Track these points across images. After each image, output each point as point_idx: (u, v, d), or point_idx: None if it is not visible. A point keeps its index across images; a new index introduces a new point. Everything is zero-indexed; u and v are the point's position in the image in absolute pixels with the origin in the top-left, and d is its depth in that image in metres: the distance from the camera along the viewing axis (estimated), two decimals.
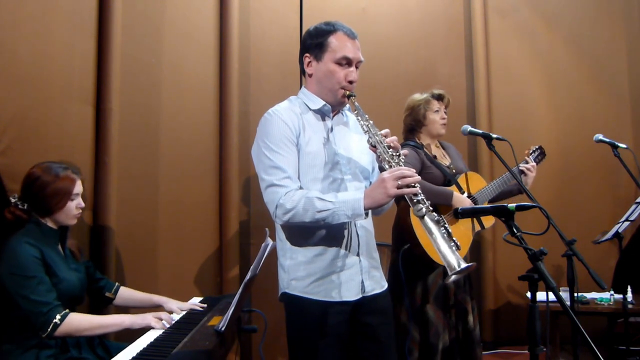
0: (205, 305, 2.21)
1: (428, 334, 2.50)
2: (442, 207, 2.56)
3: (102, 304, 2.24)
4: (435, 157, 2.70)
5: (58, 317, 1.75)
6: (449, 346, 2.52)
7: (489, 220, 2.71)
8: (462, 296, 2.62)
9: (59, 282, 1.86)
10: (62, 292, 1.85)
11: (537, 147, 2.86)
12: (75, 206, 1.94)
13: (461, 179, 2.67)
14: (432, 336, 2.49)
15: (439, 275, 2.56)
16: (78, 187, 1.95)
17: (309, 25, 1.87)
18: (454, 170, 2.70)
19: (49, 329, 1.73)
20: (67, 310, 1.79)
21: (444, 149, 2.83)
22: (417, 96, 2.74)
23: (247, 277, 1.59)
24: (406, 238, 2.49)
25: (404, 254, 2.42)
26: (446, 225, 1.50)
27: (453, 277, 1.44)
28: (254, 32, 3.46)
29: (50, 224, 1.93)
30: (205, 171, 3.22)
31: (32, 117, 2.32)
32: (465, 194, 2.64)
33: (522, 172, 2.70)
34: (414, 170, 1.58)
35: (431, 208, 1.53)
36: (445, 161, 2.74)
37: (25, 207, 1.91)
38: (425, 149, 2.68)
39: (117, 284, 2.21)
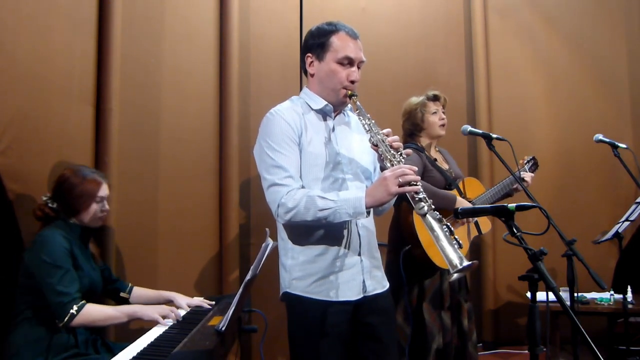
0: (213, 303, 2.26)
1: (422, 335, 2.49)
2: (443, 212, 2.55)
3: (119, 304, 2.28)
4: (435, 160, 2.69)
5: (75, 307, 1.83)
6: (443, 348, 2.52)
7: (486, 226, 2.71)
8: (458, 299, 2.61)
9: (84, 276, 1.97)
10: (84, 286, 1.95)
11: (530, 157, 2.88)
12: (99, 209, 2.07)
13: (459, 184, 2.67)
14: (426, 337, 2.48)
15: (436, 277, 2.56)
16: (103, 191, 2.09)
17: (309, 25, 1.87)
18: (453, 175, 2.70)
19: (65, 319, 1.81)
20: (84, 302, 1.87)
21: (442, 154, 2.83)
22: (413, 100, 2.73)
23: (248, 277, 1.59)
24: (407, 239, 2.49)
25: (404, 255, 2.42)
26: (448, 224, 1.50)
27: (455, 275, 1.44)
28: (254, 32, 3.46)
29: (77, 223, 2.05)
30: (206, 171, 3.22)
31: (32, 117, 2.31)
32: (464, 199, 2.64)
33: (522, 179, 2.67)
34: (416, 169, 1.58)
35: (433, 207, 1.53)
36: (444, 165, 2.74)
37: (55, 206, 2.03)
38: (425, 152, 2.67)
39: (130, 284, 2.31)
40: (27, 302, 1.88)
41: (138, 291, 2.30)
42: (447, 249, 1.46)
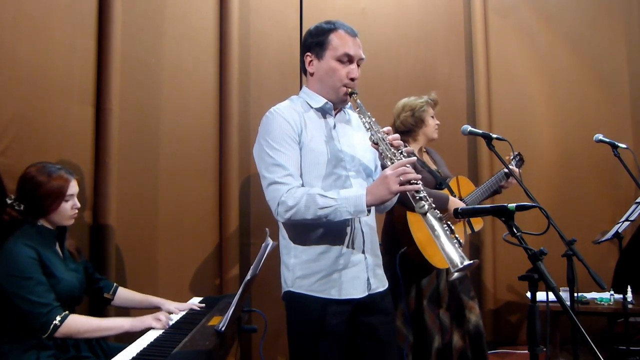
0: (204, 305, 2.21)
1: (423, 337, 2.49)
2: None
3: (100, 305, 2.23)
4: (423, 162, 2.71)
5: (58, 318, 1.73)
6: (442, 349, 2.51)
7: (478, 223, 2.73)
8: (459, 299, 2.61)
9: (58, 282, 1.84)
10: (60, 293, 1.83)
11: (516, 153, 2.91)
12: (70, 207, 1.92)
13: (452, 183, 2.69)
14: (427, 338, 2.48)
15: (433, 277, 2.56)
16: (72, 188, 1.92)
17: (309, 25, 1.87)
18: (441, 175, 2.71)
19: (49, 330, 1.72)
20: (67, 312, 1.78)
21: (429, 154, 2.84)
22: (417, 99, 2.76)
23: (248, 277, 1.59)
24: (402, 241, 2.48)
25: (401, 257, 2.42)
26: (448, 222, 1.50)
27: (456, 274, 1.44)
28: (254, 32, 3.46)
29: (46, 224, 1.91)
30: (205, 171, 3.22)
31: (32, 117, 2.31)
32: (457, 198, 2.65)
33: (507, 175, 2.71)
34: (414, 160, 1.60)
35: (434, 205, 1.53)
36: (432, 166, 2.75)
37: (22, 208, 1.88)
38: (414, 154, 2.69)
39: (115, 284, 2.19)
40: (12, 311, 1.78)
41: (124, 293, 2.17)
42: (448, 248, 1.46)
